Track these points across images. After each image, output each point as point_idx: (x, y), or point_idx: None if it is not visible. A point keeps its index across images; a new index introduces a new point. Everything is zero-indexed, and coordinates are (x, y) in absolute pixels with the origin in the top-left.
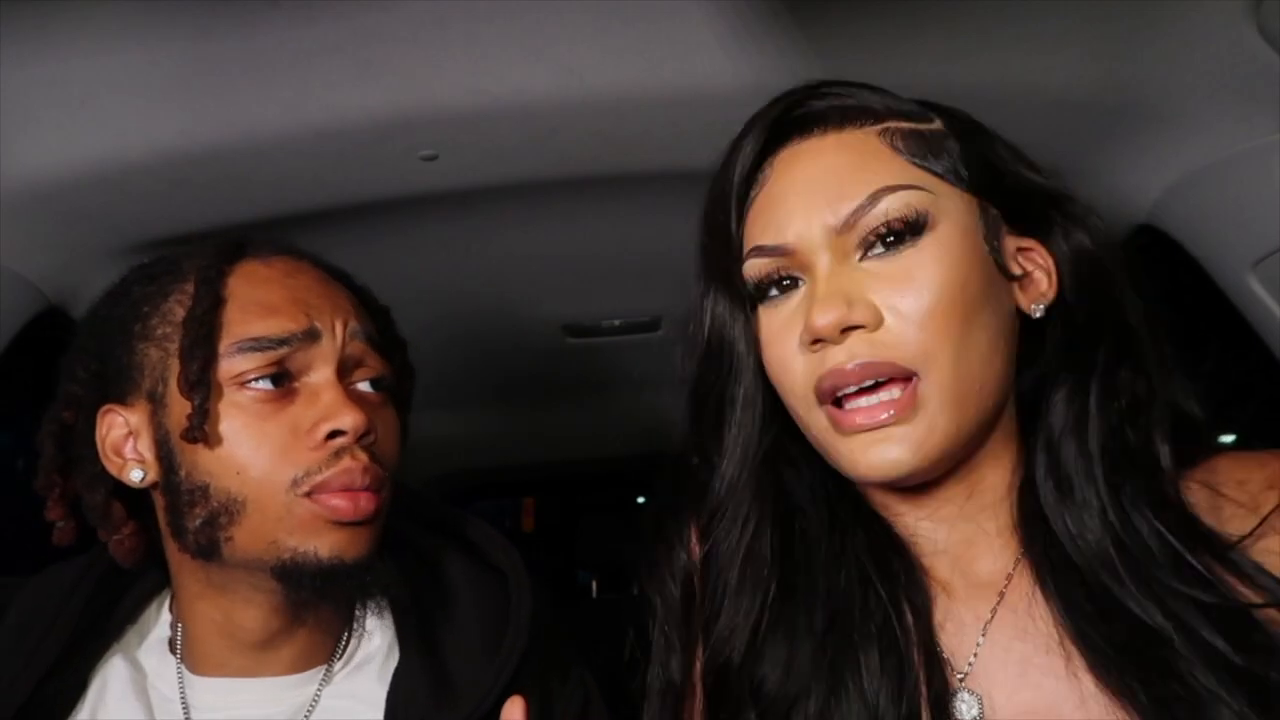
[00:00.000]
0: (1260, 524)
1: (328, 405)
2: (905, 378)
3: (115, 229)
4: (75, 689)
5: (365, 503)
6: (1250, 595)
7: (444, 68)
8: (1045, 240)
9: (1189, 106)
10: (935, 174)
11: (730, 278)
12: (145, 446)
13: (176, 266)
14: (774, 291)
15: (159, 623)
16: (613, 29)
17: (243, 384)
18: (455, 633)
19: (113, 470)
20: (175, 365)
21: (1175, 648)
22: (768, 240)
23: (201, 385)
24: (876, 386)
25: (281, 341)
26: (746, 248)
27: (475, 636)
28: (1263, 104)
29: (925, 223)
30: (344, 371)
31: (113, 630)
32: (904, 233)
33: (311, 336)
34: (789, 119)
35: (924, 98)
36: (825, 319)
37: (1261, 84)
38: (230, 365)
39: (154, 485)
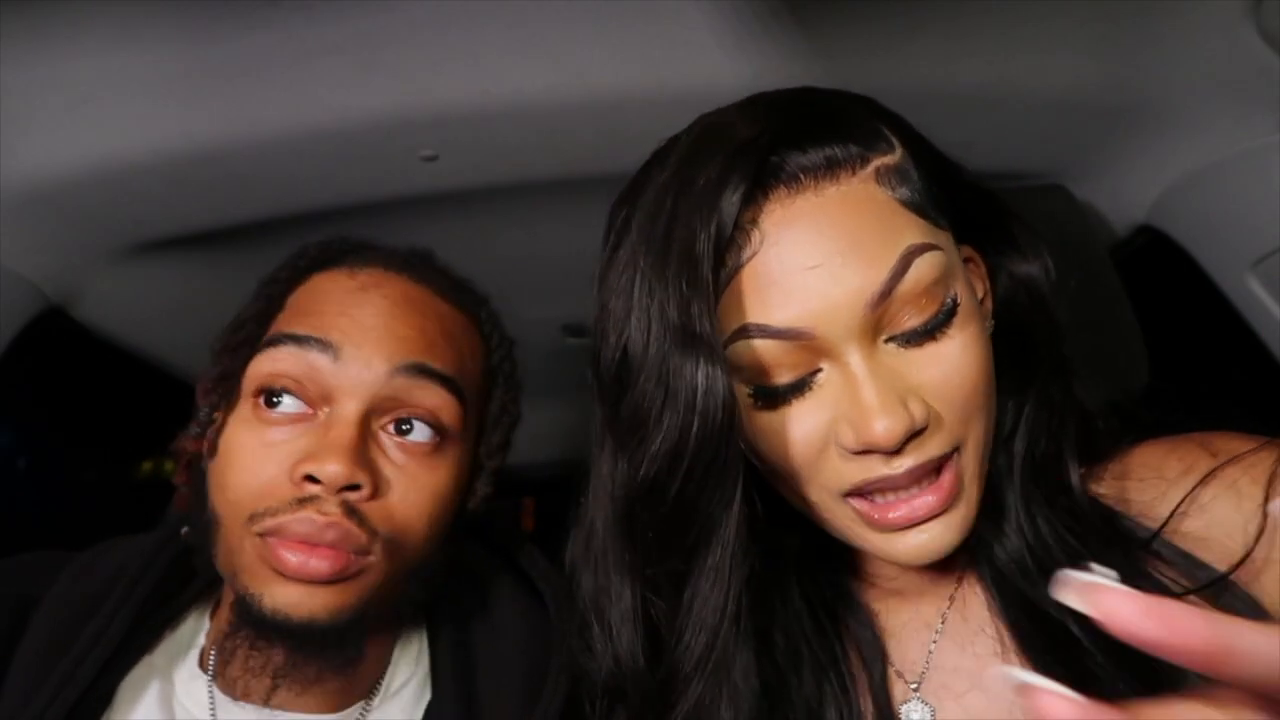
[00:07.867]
0: (1170, 516)
1: (319, 444)
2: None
3: (115, 229)
4: (104, 693)
5: (316, 562)
6: (1184, 583)
7: (444, 68)
8: (978, 247)
9: (1189, 106)
10: (935, 223)
11: (705, 341)
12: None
13: (294, 259)
14: (782, 379)
15: (198, 633)
16: (613, 29)
17: (256, 398)
18: (495, 672)
19: (205, 449)
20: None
21: (1080, 641)
22: (773, 321)
23: (214, 393)
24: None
25: (294, 339)
26: (735, 322)
27: (516, 678)
28: (1263, 104)
29: (956, 302)
30: (379, 410)
31: (154, 630)
32: (939, 325)
33: (329, 352)
34: (770, 168)
35: (925, 98)
36: (890, 432)
37: (1261, 84)
38: (256, 367)
39: None
